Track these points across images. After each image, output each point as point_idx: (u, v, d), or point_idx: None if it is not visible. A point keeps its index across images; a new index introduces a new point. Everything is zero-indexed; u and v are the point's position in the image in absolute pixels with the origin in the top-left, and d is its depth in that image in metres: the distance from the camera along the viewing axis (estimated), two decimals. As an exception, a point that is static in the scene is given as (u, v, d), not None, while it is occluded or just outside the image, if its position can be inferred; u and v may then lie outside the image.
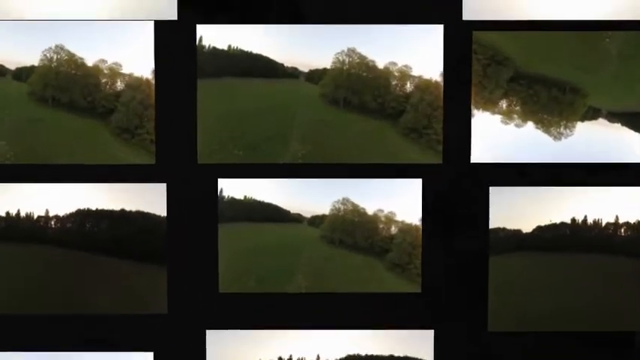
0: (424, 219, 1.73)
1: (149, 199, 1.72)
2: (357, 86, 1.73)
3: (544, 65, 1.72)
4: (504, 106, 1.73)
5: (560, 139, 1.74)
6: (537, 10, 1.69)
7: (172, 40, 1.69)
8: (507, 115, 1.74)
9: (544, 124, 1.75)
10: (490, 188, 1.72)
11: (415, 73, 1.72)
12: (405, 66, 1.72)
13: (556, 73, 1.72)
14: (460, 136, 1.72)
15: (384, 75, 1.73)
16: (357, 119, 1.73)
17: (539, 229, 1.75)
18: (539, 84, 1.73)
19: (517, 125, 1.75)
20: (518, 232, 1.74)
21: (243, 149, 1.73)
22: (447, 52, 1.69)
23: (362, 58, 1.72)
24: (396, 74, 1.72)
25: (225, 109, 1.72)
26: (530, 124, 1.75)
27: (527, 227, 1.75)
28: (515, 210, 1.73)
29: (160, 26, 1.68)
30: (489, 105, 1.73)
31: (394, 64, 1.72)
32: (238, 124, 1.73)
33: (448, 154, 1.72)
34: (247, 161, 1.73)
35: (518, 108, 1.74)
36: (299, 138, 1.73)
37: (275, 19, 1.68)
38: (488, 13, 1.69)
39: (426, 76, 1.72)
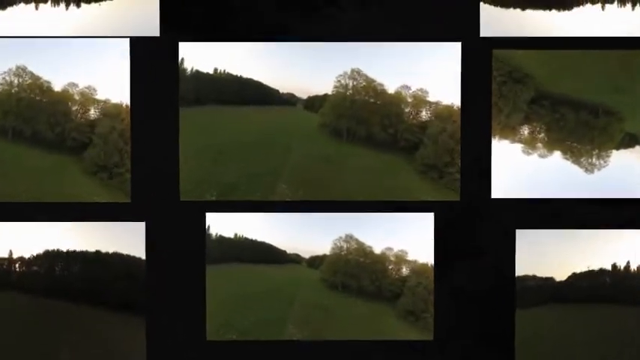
0: (436, 260, 1.69)
1: (127, 239, 1.68)
2: (363, 114, 1.70)
3: (570, 84, 1.67)
4: (526, 132, 1.68)
5: (592, 171, 1.70)
6: (563, 26, 1.66)
7: (152, 59, 1.66)
8: (529, 144, 1.69)
9: (573, 154, 1.69)
10: (517, 231, 1.68)
11: (432, 98, 1.68)
12: (420, 90, 1.68)
13: (584, 93, 1.67)
14: (479, 166, 1.68)
15: (395, 101, 1.68)
16: (364, 154, 1.70)
17: (574, 276, 1.70)
18: (566, 106, 1.68)
19: (541, 155, 1.70)
20: (550, 280, 1.70)
21: (218, 192, 1.69)
22: (463, 73, 1.66)
23: (369, 81, 1.68)
24: (410, 100, 1.69)
25: (207, 141, 1.70)
26: (556, 154, 1.70)
27: (560, 275, 1.70)
28: (546, 255, 1.69)
29: (138, 44, 1.65)
30: (507, 131, 1.68)
31: (407, 87, 1.68)
32: (220, 161, 1.70)
33: (464, 187, 1.67)
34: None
35: (542, 135, 1.69)
36: (292, 178, 1.70)
37: (268, 37, 1.67)
38: (507, 29, 1.65)
39: (446, 101, 1.68)
